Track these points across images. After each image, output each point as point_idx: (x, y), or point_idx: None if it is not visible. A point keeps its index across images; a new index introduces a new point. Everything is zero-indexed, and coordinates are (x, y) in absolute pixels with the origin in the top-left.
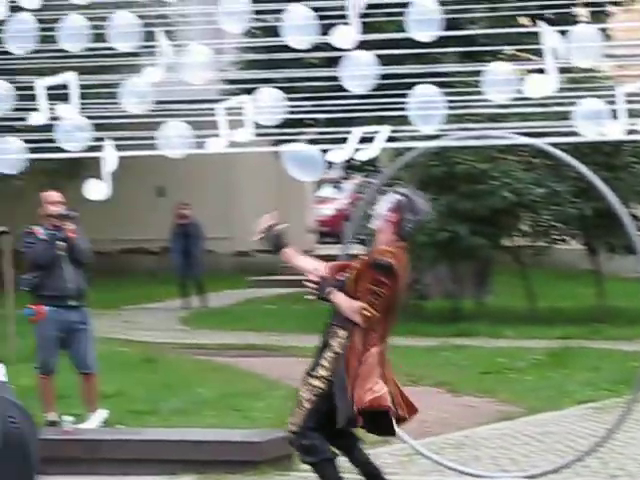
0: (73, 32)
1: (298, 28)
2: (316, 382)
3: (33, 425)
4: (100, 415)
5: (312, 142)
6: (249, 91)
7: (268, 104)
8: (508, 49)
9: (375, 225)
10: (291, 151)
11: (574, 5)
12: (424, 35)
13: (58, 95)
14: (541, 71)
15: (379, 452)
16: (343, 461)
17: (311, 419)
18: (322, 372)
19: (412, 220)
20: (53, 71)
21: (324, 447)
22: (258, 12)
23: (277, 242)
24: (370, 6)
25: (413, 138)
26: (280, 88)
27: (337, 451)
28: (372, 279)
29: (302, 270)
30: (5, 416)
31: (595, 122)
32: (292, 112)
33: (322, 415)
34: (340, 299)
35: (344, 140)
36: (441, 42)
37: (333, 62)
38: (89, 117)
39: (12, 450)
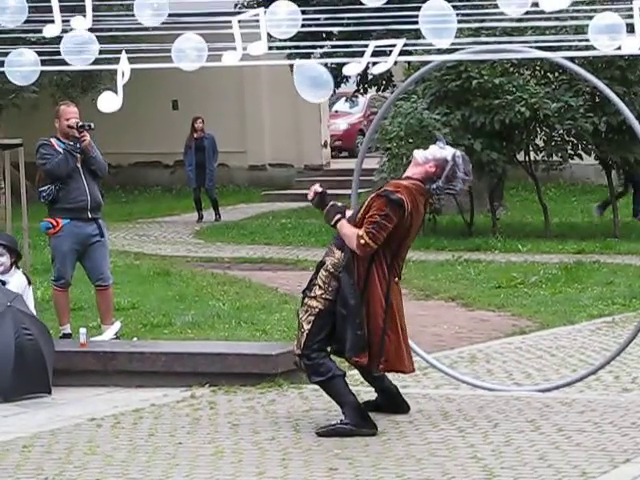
0: None
1: None
2: (313, 302)
3: (48, 337)
4: (114, 327)
5: (327, 55)
6: (264, 4)
7: (283, 17)
8: None
9: (417, 156)
10: (300, 71)
11: None
12: None
13: (72, 7)
14: None
15: None
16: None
17: (312, 340)
18: (318, 291)
19: (441, 187)
20: None
21: (330, 365)
22: None
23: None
24: None
25: (427, 52)
26: (295, 1)
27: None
28: (379, 209)
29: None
30: (20, 328)
31: (610, 36)
32: (307, 25)
33: (325, 334)
34: (344, 228)
35: (359, 54)
36: None
37: None
38: (103, 29)
39: (27, 360)
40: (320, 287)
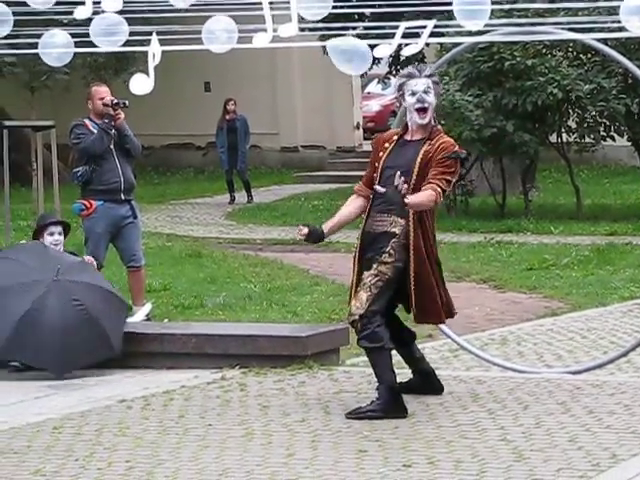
0: None
1: None
2: (383, 268)
3: (109, 298)
4: (146, 309)
5: (358, 37)
6: None
7: None
8: None
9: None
10: (338, 44)
11: None
12: None
13: None
14: None
15: (423, 347)
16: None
17: (376, 304)
18: (389, 259)
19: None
20: None
21: (384, 335)
22: None
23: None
24: None
25: (459, 33)
26: None
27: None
28: (448, 166)
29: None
30: (68, 300)
31: None
32: (338, 6)
33: (386, 300)
34: (421, 197)
35: (391, 35)
36: None
37: None
38: (134, 11)
39: (79, 333)
40: (391, 255)
